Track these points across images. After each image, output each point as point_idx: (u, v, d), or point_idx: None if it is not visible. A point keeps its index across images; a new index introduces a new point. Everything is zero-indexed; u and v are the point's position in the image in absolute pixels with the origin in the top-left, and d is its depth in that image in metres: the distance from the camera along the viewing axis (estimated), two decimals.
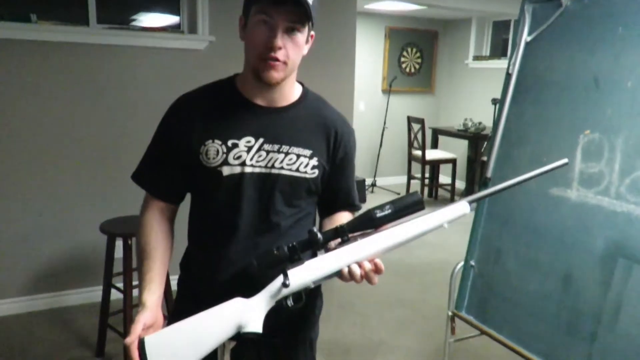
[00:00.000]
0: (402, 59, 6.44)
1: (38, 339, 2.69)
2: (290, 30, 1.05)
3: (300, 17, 1.04)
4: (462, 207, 1.05)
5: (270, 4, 1.02)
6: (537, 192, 1.84)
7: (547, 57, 1.95)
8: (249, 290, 1.01)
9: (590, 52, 1.78)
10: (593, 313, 1.64)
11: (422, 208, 1.02)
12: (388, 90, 6.25)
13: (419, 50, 6.54)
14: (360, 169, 6.04)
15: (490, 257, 2.01)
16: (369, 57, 6.20)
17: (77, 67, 2.90)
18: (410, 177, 5.97)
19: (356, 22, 3.68)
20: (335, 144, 1.19)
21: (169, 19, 3.30)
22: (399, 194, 5.97)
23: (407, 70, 6.51)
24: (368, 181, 6.13)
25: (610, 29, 1.73)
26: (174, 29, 3.23)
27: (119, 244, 2.48)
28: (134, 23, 3.22)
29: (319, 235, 1.00)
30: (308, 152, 1.15)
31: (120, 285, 2.48)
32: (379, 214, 1.00)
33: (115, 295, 2.53)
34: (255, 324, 0.98)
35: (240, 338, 0.99)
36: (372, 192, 6.16)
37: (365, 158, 6.24)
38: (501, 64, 5.66)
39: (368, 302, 3.28)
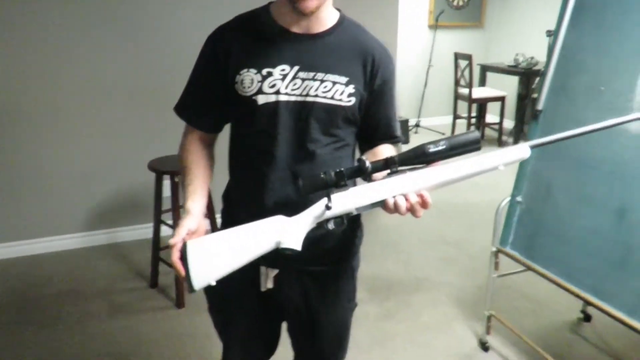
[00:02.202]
0: None
1: (99, 272, 2.87)
2: None
3: None
4: (522, 151, 1.00)
5: None
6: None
7: None
8: (291, 215, 1.02)
9: None
10: None
11: (479, 148, 0.97)
12: (434, 26, 5.98)
13: None
14: (404, 108, 5.90)
15: (540, 193, 1.95)
16: None
17: (123, 7, 2.90)
18: (456, 117, 5.79)
19: None
20: (372, 71, 1.15)
21: None
22: (443, 134, 5.83)
23: (455, 3, 6.17)
24: (412, 121, 6.00)
25: None
26: None
27: (166, 183, 2.56)
28: None
29: (368, 163, 0.98)
30: (344, 80, 1.12)
31: (170, 221, 2.58)
32: (432, 149, 0.97)
33: (166, 231, 2.63)
34: (294, 241, 0.99)
35: (280, 256, 1.01)
36: (416, 132, 6.03)
37: (409, 97, 6.08)
38: None
39: (412, 241, 3.29)
